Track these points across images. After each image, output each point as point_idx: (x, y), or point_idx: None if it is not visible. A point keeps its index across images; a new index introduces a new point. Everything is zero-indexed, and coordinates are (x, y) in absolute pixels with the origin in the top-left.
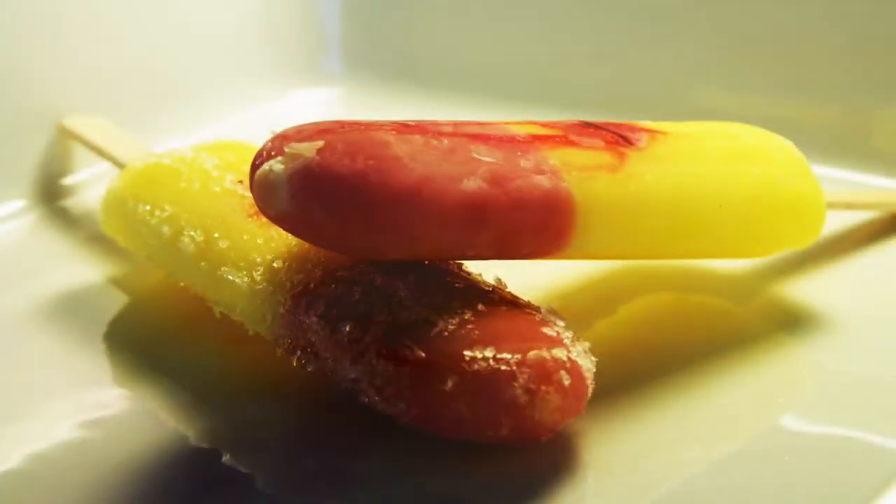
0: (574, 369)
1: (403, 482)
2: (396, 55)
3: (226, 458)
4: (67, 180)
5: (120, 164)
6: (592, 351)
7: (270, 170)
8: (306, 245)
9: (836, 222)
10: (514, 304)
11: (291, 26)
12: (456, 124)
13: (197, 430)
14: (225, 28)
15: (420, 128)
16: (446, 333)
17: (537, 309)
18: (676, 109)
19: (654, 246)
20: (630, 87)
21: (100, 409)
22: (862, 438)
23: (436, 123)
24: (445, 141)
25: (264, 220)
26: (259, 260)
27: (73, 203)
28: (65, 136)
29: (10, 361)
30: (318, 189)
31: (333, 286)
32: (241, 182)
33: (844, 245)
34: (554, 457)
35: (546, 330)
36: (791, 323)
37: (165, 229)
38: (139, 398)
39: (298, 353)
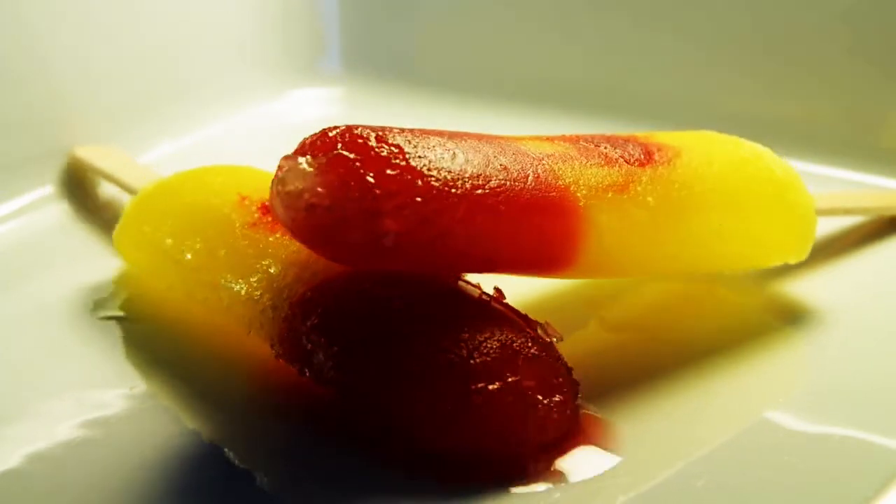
0: (561, 391)
1: (404, 484)
2: (396, 55)
3: (225, 457)
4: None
5: (131, 190)
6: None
7: (298, 170)
8: (304, 255)
9: (836, 222)
10: (510, 319)
11: (291, 26)
12: (467, 136)
13: (197, 430)
14: (225, 28)
15: (434, 138)
16: (443, 353)
17: (534, 324)
18: (678, 109)
19: (658, 263)
20: (630, 87)
21: (100, 409)
22: (862, 438)
23: (454, 135)
24: (459, 153)
25: (264, 230)
26: (258, 268)
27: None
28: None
29: (11, 361)
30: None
31: (331, 296)
32: (244, 197)
33: (847, 245)
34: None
35: (535, 351)
36: (791, 322)
37: (168, 241)
38: (139, 398)
39: (295, 360)
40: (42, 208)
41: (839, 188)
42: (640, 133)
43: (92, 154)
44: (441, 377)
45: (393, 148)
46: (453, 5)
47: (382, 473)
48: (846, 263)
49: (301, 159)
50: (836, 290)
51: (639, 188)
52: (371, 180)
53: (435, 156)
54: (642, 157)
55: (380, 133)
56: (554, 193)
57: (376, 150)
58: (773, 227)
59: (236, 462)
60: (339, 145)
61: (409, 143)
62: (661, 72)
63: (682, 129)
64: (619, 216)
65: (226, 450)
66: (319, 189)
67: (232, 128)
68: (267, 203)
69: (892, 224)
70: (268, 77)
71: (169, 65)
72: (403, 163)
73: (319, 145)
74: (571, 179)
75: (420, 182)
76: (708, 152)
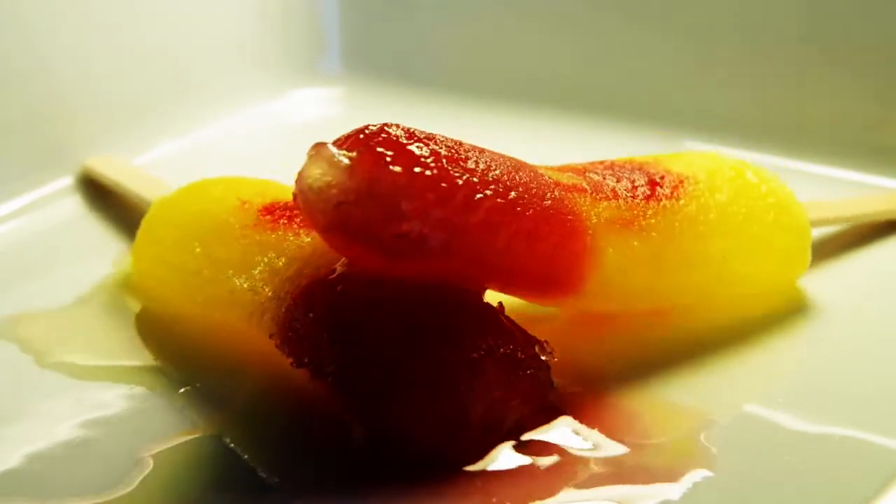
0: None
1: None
2: (396, 55)
3: (225, 455)
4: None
5: (142, 201)
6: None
7: (330, 161)
8: (308, 250)
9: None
10: (509, 333)
11: (291, 26)
12: (491, 151)
13: (197, 430)
14: (225, 28)
15: (462, 146)
16: (440, 360)
17: (532, 341)
18: (677, 109)
19: (662, 296)
20: (630, 87)
21: (100, 409)
22: (862, 438)
23: (478, 147)
24: (482, 162)
25: (264, 229)
26: (259, 262)
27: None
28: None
29: (10, 361)
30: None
31: (334, 290)
32: (244, 202)
33: (846, 245)
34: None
35: (529, 371)
36: (790, 322)
37: (171, 252)
38: (139, 398)
39: (294, 351)
40: (41, 209)
41: (839, 188)
42: (646, 158)
43: (102, 165)
44: (434, 384)
45: (424, 150)
46: (453, 5)
47: (376, 470)
48: (845, 263)
49: (333, 150)
50: (835, 290)
51: (643, 223)
52: (399, 179)
53: (461, 161)
54: (647, 189)
55: (411, 133)
56: (570, 217)
57: (407, 150)
58: (773, 252)
59: (236, 460)
60: (371, 142)
61: (439, 147)
62: (661, 72)
63: (682, 129)
64: (623, 252)
65: (226, 448)
66: (347, 183)
67: (232, 128)
68: (267, 206)
69: (890, 224)
70: (268, 77)
71: (169, 65)
72: (433, 164)
73: (352, 142)
74: (582, 209)
75: (445, 185)
76: (712, 177)
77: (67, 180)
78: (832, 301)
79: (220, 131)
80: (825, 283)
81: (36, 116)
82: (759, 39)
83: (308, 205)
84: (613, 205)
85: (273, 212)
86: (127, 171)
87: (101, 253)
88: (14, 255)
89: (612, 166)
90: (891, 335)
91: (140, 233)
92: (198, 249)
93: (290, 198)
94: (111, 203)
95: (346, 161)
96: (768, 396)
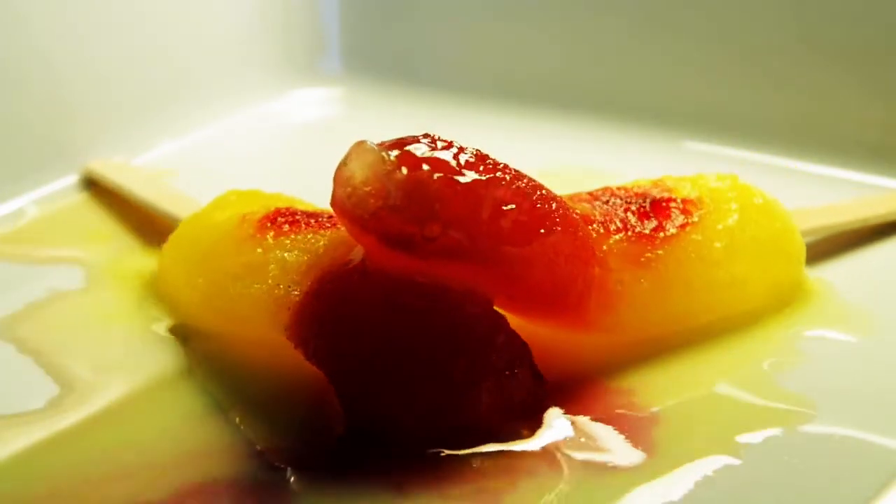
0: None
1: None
2: (396, 55)
3: (229, 446)
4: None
5: (143, 202)
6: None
7: (374, 157)
8: (318, 245)
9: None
10: (510, 353)
11: (291, 26)
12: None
13: (200, 424)
14: (225, 28)
15: (492, 160)
16: (440, 366)
17: (536, 373)
18: (678, 110)
19: (669, 322)
20: (630, 87)
21: (102, 403)
22: (862, 438)
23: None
24: (508, 175)
25: (265, 236)
26: (269, 260)
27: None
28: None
29: (9, 360)
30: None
31: (346, 286)
32: (245, 214)
33: (846, 245)
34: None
35: (528, 398)
36: (790, 321)
37: (184, 275)
38: (141, 393)
39: (303, 343)
40: (42, 208)
41: (839, 188)
42: (654, 181)
43: (104, 167)
44: (431, 390)
45: (460, 160)
46: (453, 5)
47: (365, 468)
48: (846, 263)
49: (375, 148)
50: (836, 290)
51: (650, 255)
52: (435, 184)
53: (494, 174)
54: (654, 221)
55: (449, 144)
56: (586, 244)
57: (444, 159)
58: (772, 276)
59: (240, 451)
60: (412, 147)
61: (473, 158)
62: (661, 73)
63: (681, 129)
64: (631, 287)
65: (229, 440)
66: (386, 182)
67: (232, 128)
68: (269, 215)
69: (891, 225)
70: (268, 77)
71: (169, 65)
72: (467, 173)
73: (392, 146)
74: (595, 240)
75: (478, 193)
76: (718, 202)
77: (68, 180)
78: (832, 300)
79: (220, 131)
80: (826, 283)
81: (37, 116)
82: (758, 39)
83: (345, 199)
84: (623, 238)
85: (274, 220)
86: (128, 173)
87: (103, 252)
88: (14, 254)
89: (616, 194)
90: (891, 335)
91: (165, 249)
92: (208, 265)
93: (296, 206)
94: (112, 203)
95: (387, 162)
96: (768, 396)
